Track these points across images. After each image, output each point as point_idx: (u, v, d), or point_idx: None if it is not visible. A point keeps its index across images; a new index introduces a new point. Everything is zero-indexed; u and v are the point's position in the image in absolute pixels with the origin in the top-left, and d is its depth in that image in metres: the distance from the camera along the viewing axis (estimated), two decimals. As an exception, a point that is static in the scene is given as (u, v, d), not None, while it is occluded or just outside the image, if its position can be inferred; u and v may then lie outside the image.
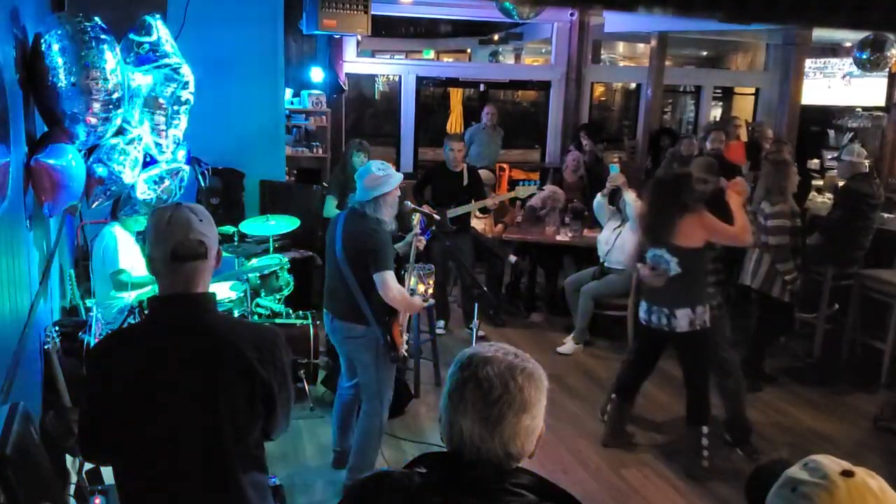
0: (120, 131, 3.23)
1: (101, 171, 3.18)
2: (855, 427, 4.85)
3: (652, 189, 4.26)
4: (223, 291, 4.92)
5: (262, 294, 5.07)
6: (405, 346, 3.85)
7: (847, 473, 1.21)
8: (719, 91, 11.82)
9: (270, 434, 2.02)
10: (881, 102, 10.28)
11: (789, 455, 4.40)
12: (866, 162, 6.22)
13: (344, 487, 3.85)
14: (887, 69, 8.87)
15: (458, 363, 1.45)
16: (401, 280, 3.83)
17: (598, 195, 5.86)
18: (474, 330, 3.85)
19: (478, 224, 6.79)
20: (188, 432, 1.88)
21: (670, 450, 4.45)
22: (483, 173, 6.80)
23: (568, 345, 5.96)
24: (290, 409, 2.05)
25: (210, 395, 1.87)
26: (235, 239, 5.52)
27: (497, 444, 1.38)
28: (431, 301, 5.16)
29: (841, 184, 6.74)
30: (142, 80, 3.36)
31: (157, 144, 3.54)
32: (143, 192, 3.68)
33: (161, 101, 3.43)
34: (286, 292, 5.18)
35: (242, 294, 4.84)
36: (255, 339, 1.94)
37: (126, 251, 4.33)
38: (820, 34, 9.40)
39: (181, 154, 3.83)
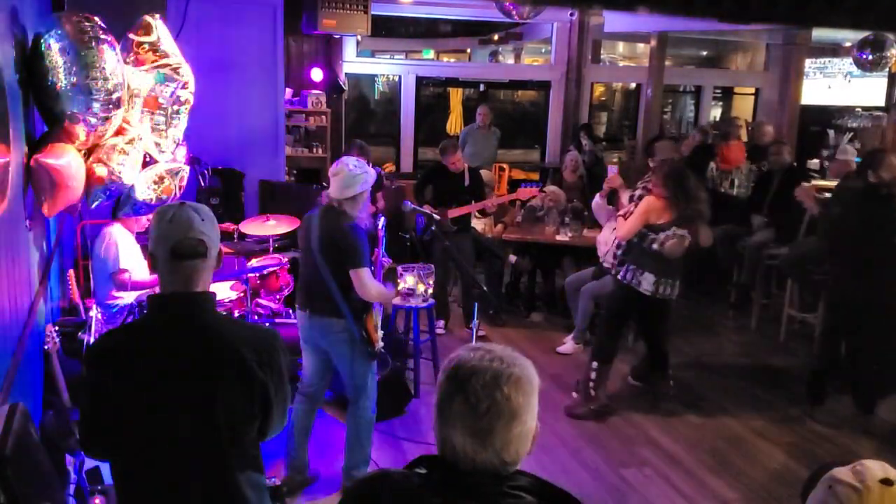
0: (120, 131, 3.23)
1: (100, 171, 3.17)
2: (855, 427, 4.85)
3: (681, 176, 4.69)
4: (223, 291, 4.92)
5: (262, 294, 5.07)
6: (380, 343, 3.85)
7: (887, 482, 1.21)
8: (719, 91, 11.82)
9: (265, 434, 2.02)
10: (881, 102, 10.29)
11: (787, 454, 4.42)
12: (852, 159, 6.23)
13: (343, 487, 3.85)
14: (887, 69, 8.87)
15: (444, 373, 1.43)
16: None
17: (597, 196, 5.87)
18: (474, 330, 3.85)
19: (478, 224, 6.80)
20: (185, 432, 1.88)
21: (670, 449, 4.46)
22: (484, 174, 6.80)
23: (568, 345, 5.96)
24: (286, 410, 2.06)
25: (207, 396, 1.87)
26: (235, 239, 5.52)
27: (491, 453, 1.37)
28: (431, 301, 5.19)
29: (833, 183, 6.77)
30: (142, 80, 3.36)
31: (157, 144, 3.54)
32: (143, 192, 3.67)
33: (161, 101, 3.43)
34: (286, 292, 5.18)
35: (242, 294, 4.84)
36: (253, 340, 1.94)
37: (127, 251, 4.34)
38: (820, 34, 9.40)
39: (181, 154, 3.82)
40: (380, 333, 3.85)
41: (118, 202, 4.18)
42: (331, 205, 3.66)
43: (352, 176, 3.58)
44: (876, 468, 1.25)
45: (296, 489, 3.86)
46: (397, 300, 5.03)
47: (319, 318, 3.71)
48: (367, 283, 3.56)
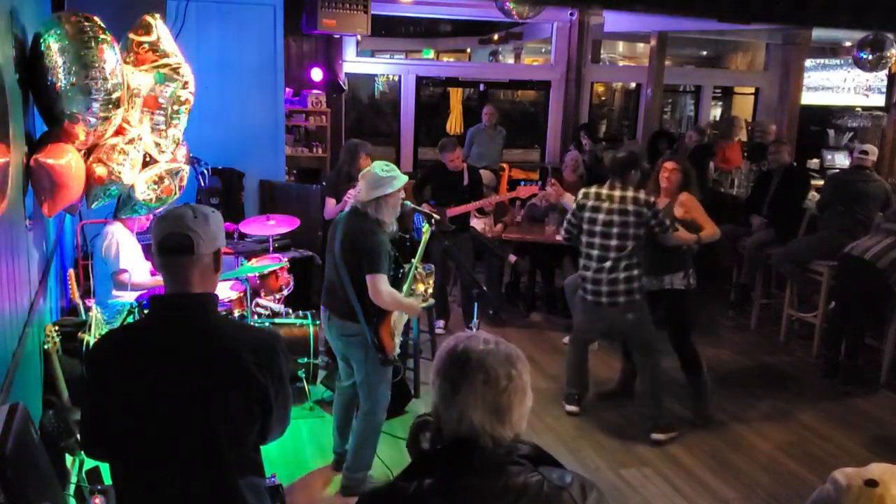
0: (120, 131, 3.22)
1: (100, 171, 3.17)
2: (855, 427, 4.85)
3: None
4: (223, 291, 4.92)
5: (262, 294, 5.07)
6: (396, 350, 3.84)
7: (871, 483, 1.19)
8: (719, 91, 11.82)
9: (265, 438, 2.01)
10: (881, 102, 10.30)
11: (787, 454, 4.41)
12: (869, 157, 6.21)
13: (342, 488, 3.85)
14: (887, 69, 8.87)
15: (452, 356, 1.49)
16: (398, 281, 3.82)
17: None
18: (474, 330, 3.84)
19: (478, 224, 6.79)
20: (184, 434, 1.87)
21: (670, 449, 4.45)
22: (484, 174, 6.80)
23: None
24: (286, 414, 2.04)
25: (206, 397, 1.87)
26: (235, 239, 5.53)
27: (507, 429, 1.46)
28: (431, 301, 5.18)
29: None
30: (142, 80, 3.35)
31: (157, 144, 3.54)
32: (143, 192, 3.67)
33: (161, 101, 3.42)
34: (286, 292, 5.18)
35: (242, 294, 4.84)
36: (253, 342, 1.94)
37: (128, 251, 4.36)
38: (820, 34, 9.40)
39: (181, 154, 3.82)
40: (397, 341, 3.84)
41: (118, 202, 4.20)
42: (357, 208, 3.67)
43: (376, 179, 3.57)
44: (878, 470, 1.23)
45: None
46: None
47: (337, 319, 3.74)
48: (381, 289, 3.53)
